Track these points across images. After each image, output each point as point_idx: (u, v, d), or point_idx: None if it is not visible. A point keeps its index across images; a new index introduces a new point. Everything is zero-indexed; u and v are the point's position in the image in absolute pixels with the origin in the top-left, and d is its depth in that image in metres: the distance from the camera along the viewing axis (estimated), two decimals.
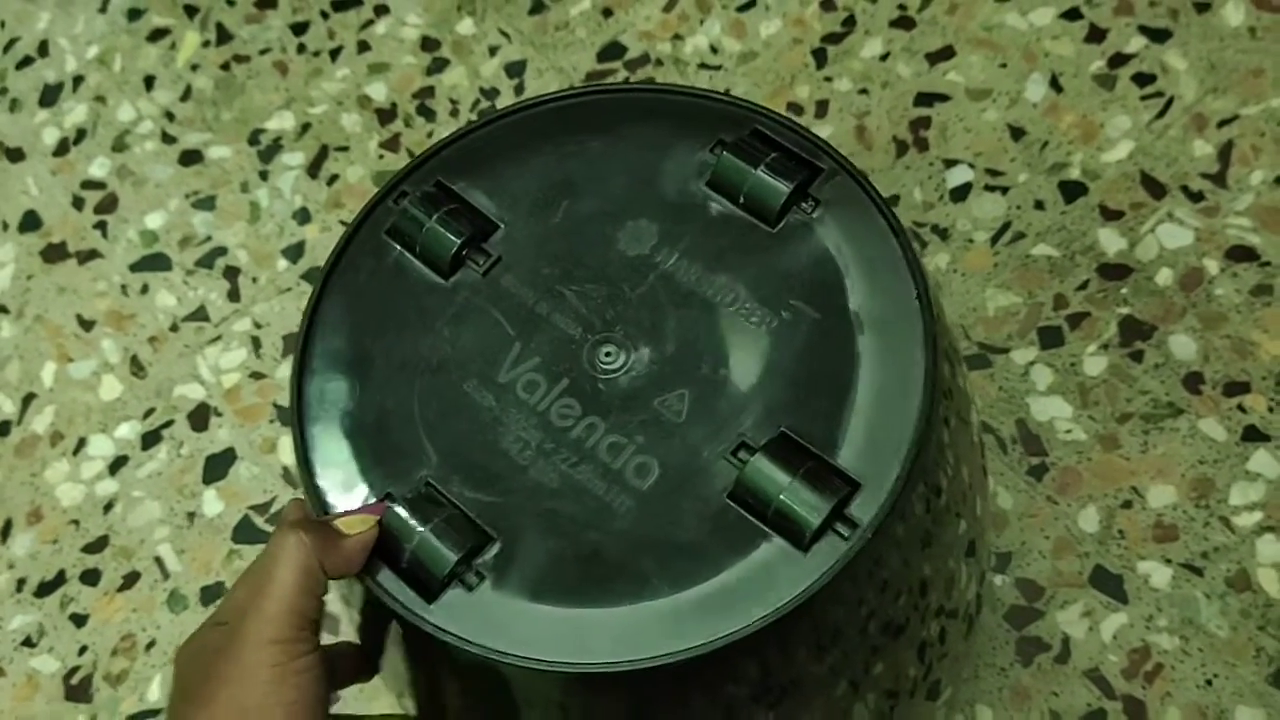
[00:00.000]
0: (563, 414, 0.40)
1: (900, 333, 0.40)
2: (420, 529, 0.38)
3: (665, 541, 0.38)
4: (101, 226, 0.81)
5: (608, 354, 0.41)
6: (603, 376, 0.41)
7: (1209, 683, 0.60)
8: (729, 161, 0.42)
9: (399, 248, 0.44)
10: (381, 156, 0.80)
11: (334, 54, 0.84)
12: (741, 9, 0.81)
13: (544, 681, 0.38)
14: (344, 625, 0.58)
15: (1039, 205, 0.72)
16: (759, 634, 0.36)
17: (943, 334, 0.44)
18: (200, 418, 0.74)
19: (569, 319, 0.42)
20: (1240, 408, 0.65)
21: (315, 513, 0.39)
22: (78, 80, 0.86)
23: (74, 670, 0.68)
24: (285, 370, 0.74)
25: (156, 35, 0.87)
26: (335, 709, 0.38)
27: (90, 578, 0.70)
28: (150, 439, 0.73)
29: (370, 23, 0.85)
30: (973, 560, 0.50)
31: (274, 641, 0.34)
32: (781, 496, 0.37)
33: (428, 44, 0.84)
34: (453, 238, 0.43)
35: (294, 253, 0.78)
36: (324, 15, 0.86)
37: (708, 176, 0.43)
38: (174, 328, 0.77)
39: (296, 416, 0.41)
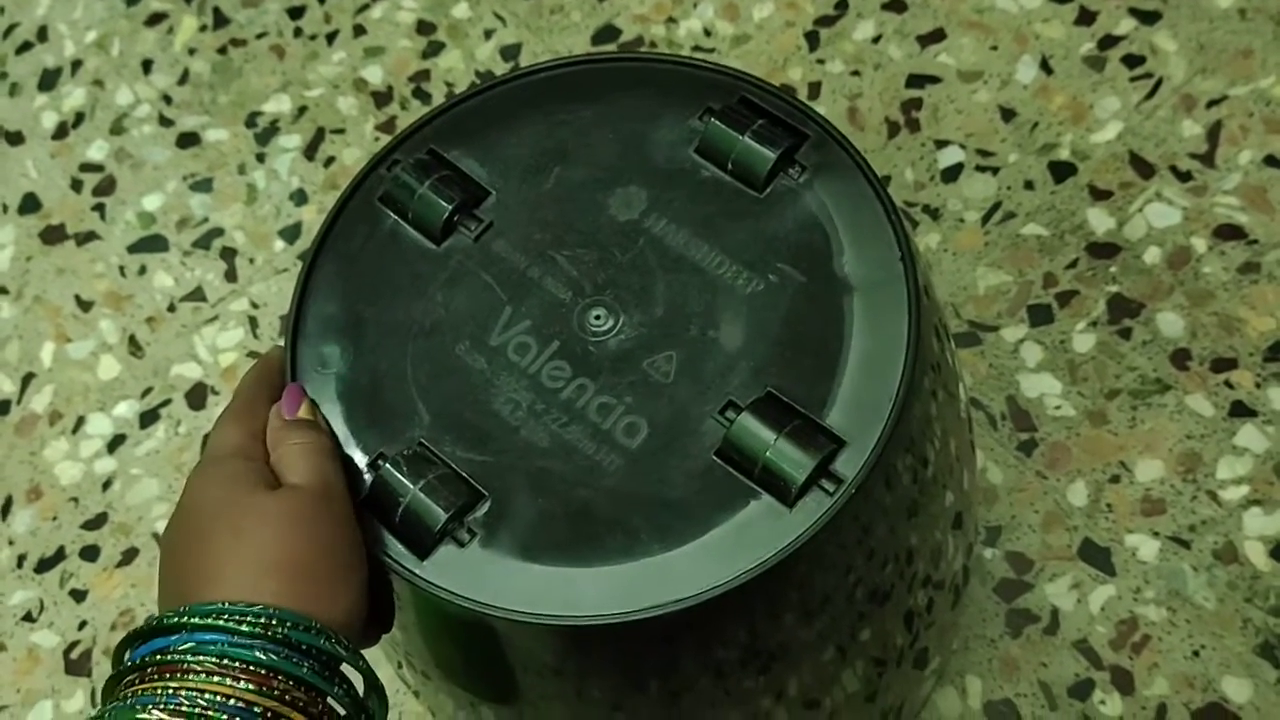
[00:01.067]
0: (553, 375, 0.41)
1: (885, 296, 0.40)
2: (412, 487, 0.39)
3: (654, 499, 0.38)
4: (100, 209, 0.81)
5: (597, 317, 0.42)
6: (593, 339, 0.41)
7: (1196, 653, 0.60)
8: (717, 128, 0.43)
9: (392, 214, 0.44)
10: (377, 139, 0.81)
11: (330, 38, 0.85)
12: None
13: (534, 635, 0.38)
14: None
15: (1029, 185, 0.72)
16: (746, 587, 0.36)
17: (931, 304, 0.45)
18: (198, 397, 0.74)
19: (560, 283, 0.42)
20: (1227, 383, 0.66)
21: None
22: (76, 64, 0.87)
23: (74, 645, 0.69)
24: None
25: (154, 20, 0.88)
26: None
27: (89, 554, 0.71)
28: (148, 418, 0.74)
29: (366, 7, 0.86)
30: (959, 532, 0.50)
31: (355, 523, 0.38)
32: (768, 453, 0.38)
33: (423, 27, 0.84)
34: (444, 204, 0.43)
35: (291, 234, 0.79)
36: (320, 0, 0.87)
37: (696, 143, 0.44)
38: (171, 308, 0.77)
39: (291, 379, 0.42)
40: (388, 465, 0.40)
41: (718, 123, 0.43)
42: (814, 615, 0.42)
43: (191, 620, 0.33)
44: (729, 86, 0.45)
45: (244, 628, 0.32)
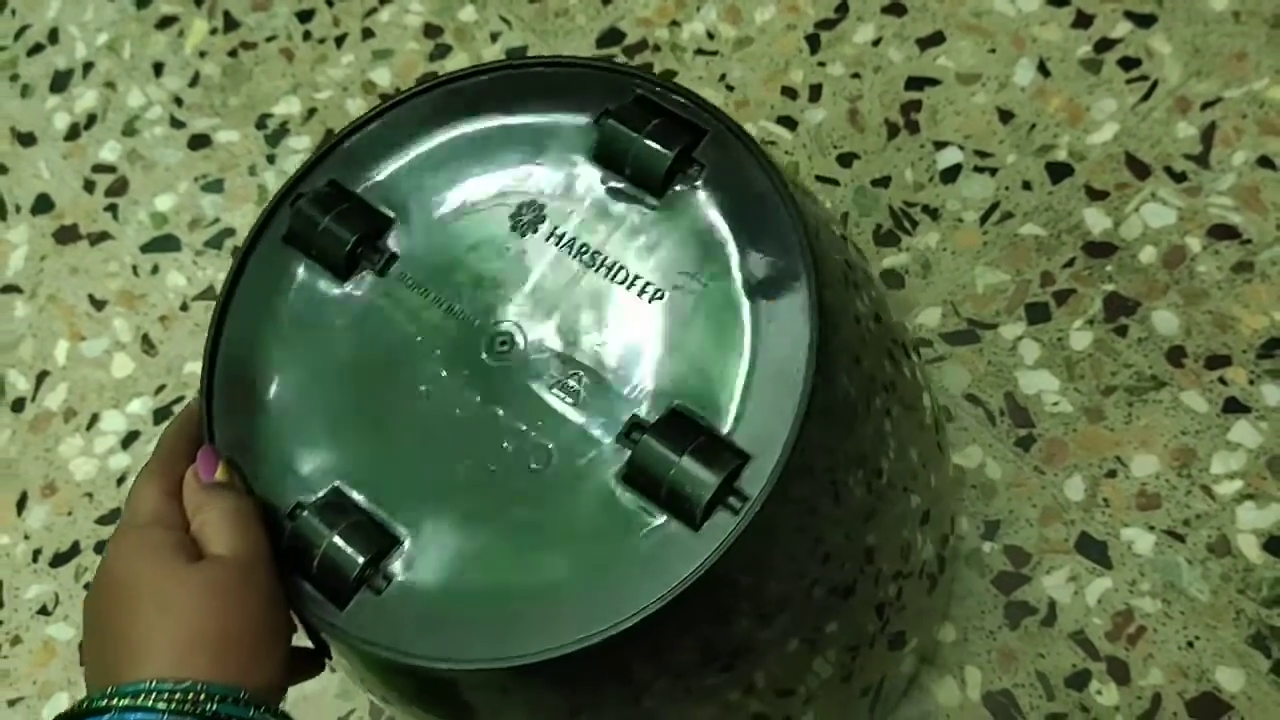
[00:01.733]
0: (465, 406, 0.40)
1: (787, 299, 0.39)
2: (327, 535, 0.38)
3: (566, 529, 0.38)
4: (112, 209, 0.83)
5: (503, 341, 0.41)
6: (500, 364, 0.40)
7: (1190, 644, 0.62)
8: (612, 131, 0.41)
9: (298, 253, 0.43)
10: None
11: (339, 41, 0.86)
12: None
13: (456, 678, 0.38)
14: None
15: (1027, 186, 0.74)
16: (659, 614, 0.35)
17: (882, 326, 0.44)
18: None
19: (466, 309, 0.41)
20: (1221, 380, 0.67)
21: None
22: (88, 67, 0.88)
23: None
24: None
25: (165, 23, 0.89)
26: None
27: (104, 548, 0.72)
28: (162, 414, 0.75)
29: (374, 10, 0.87)
30: (928, 527, 0.50)
31: (278, 590, 0.37)
32: (672, 473, 0.36)
33: (430, 30, 0.86)
34: (346, 238, 0.42)
35: None
36: (329, 3, 0.88)
37: (594, 150, 0.42)
38: (184, 306, 0.79)
39: (208, 434, 0.41)
40: (304, 514, 0.39)
41: (613, 124, 0.41)
42: (771, 617, 0.41)
43: (120, 702, 0.33)
44: (623, 85, 0.43)
45: (172, 706, 0.32)
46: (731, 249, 0.40)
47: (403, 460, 0.40)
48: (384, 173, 0.44)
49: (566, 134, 0.43)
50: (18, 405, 0.77)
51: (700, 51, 0.82)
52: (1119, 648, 0.62)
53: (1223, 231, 0.70)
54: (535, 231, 0.42)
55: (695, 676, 0.41)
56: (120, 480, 0.74)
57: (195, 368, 0.77)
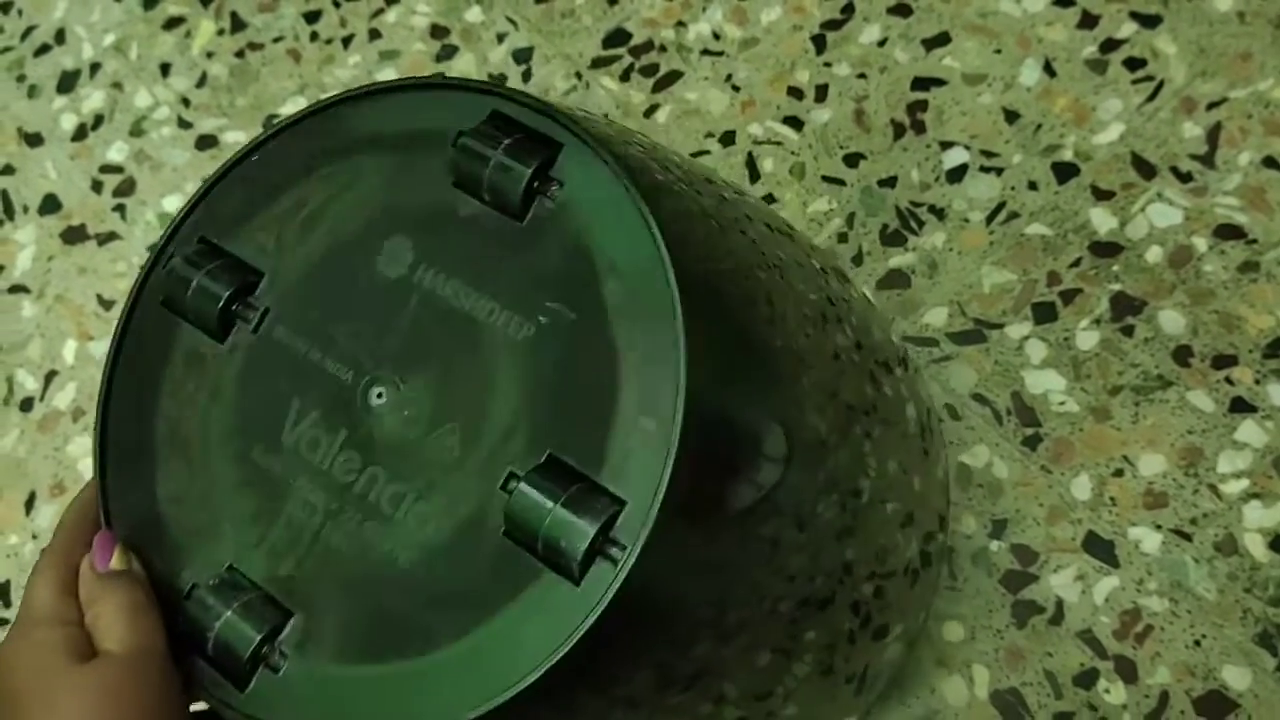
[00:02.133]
0: (346, 469, 0.38)
1: (657, 327, 0.35)
2: (221, 615, 0.37)
3: (449, 591, 0.36)
4: (120, 209, 0.83)
5: (379, 395, 0.38)
6: (376, 422, 0.38)
7: (1197, 643, 0.62)
8: (467, 153, 0.38)
9: (175, 316, 0.41)
10: None
11: (346, 41, 0.86)
12: None
13: None
14: None
15: (1033, 186, 0.74)
16: (564, 667, 0.34)
17: (868, 347, 0.43)
18: None
19: (340, 363, 0.39)
20: (1228, 380, 0.67)
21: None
22: (95, 67, 0.88)
23: None
24: None
25: (172, 24, 0.89)
26: None
27: None
28: None
29: (381, 11, 0.87)
30: (911, 529, 0.49)
31: (173, 685, 0.36)
32: (546, 524, 0.34)
33: (437, 31, 0.86)
34: (217, 298, 0.40)
35: None
36: (335, 4, 0.88)
37: (454, 175, 0.39)
38: None
39: (105, 519, 0.40)
40: (198, 593, 0.38)
41: (468, 145, 0.38)
42: (730, 636, 0.40)
43: None
44: (477, 103, 0.39)
45: None
46: (597, 276, 0.36)
47: (290, 531, 0.38)
48: (251, 223, 0.42)
49: (427, 161, 0.39)
50: (26, 405, 0.77)
51: (706, 52, 0.82)
52: (1126, 646, 0.62)
53: (1229, 231, 0.70)
54: (405, 270, 0.39)
55: (654, 700, 0.40)
56: None
57: None
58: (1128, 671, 0.62)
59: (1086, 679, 0.62)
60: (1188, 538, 0.64)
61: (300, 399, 0.39)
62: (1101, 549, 0.64)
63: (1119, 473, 0.66)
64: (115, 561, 0.38)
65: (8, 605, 0.72)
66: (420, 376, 0.38)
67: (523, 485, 0.35)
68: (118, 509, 0.40)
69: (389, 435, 0.38)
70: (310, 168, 0.41)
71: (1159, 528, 0.64)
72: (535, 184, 0.37)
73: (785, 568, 0.39)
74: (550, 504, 0.34)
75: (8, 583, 0.73)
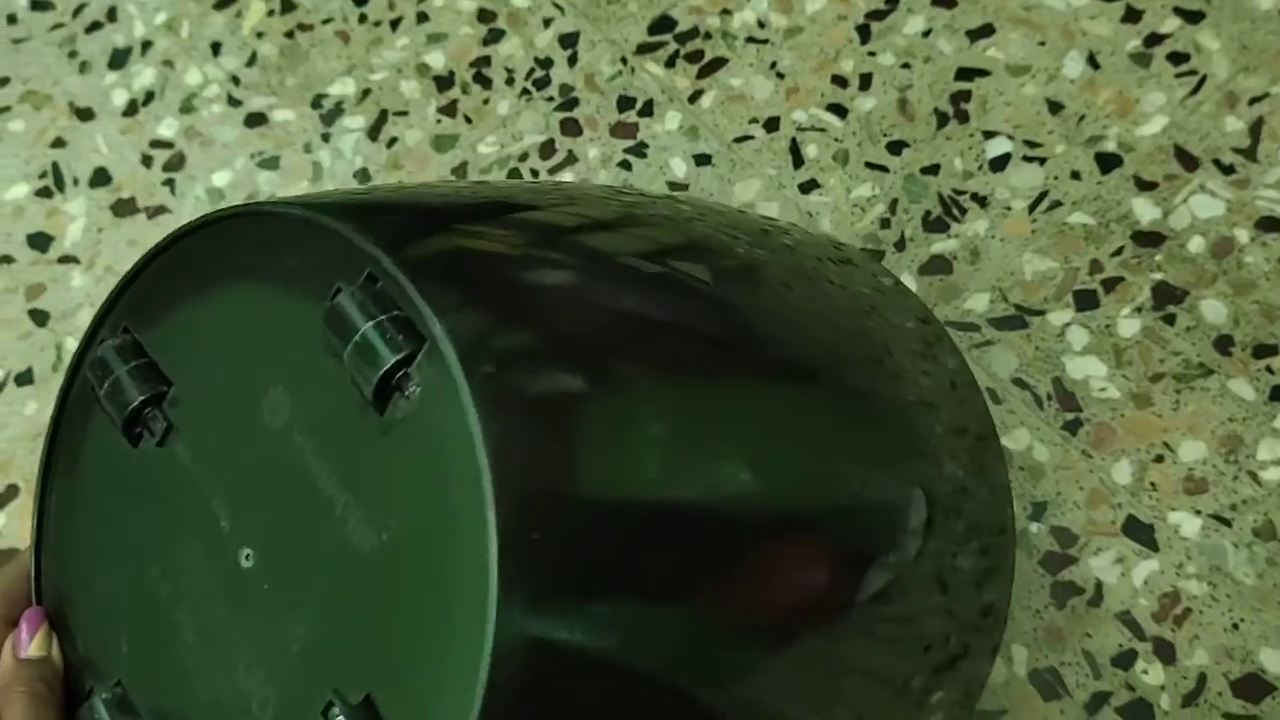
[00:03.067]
0: (215, 619, 0.36)
1: (479, 566, 0.30)
2: None
3: None
4: (170, 184, 0.84)
5: (247, 557, 0.35)
6: (242, 584, 0.35)
7: (1235, 626, 0.62)
8: (337, 318, 0.33)
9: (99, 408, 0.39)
10: (439, 121, 0.83)
11: (394, 24, 0.88)
12: None
13: None
14: None
15: (1075, 175, 0.74)
16: None
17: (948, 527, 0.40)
18: None
19: (224, 505, 0.36)
20: (1268, 369, 0.68)
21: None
22: (146, 45, 0.90)
23: None
24: None
25: (223, 3, 0.90)
26: None
27: None
28: None
29: None
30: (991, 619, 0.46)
31: None
32: None
33: (484, 15, 0.87)
34: (127, 403, 0.38)
35: None
36: None
37: (324, 338, 0.34)
38: None
39: (35, 597, 0.39)
40: (95, 702, 0.37)
41: (340, 308, 0.33)
42: None
43: None
44: (359, 260, 0.33)
45: None
46: (445, 497, 0.31)
47: (170, 667, 0.36)
48: (168, 324, 0.38)
49: (309, 311, 0.34)
50: None
51: (751, 40, 0.83)
52: (1165, 629, 0.63)
53: (1270, 224, 0.71)
54: (280, 423, 0.35)
55: None
56: None
57: None
58: (1166, 653, 0.62)
59: (1125, 660, 0.63)
60: (1227, 523, 0.65)
61: (190, 527, 0.36)
62: (1141, 533, 0.65)
63: (1159, 458, 0.67)
64: (34, 647, 0.37)
65: None
66: (282, 551, 0.34)
67: None
68: (49, 586, 0.39)
69: (251, 603, 0.35)
70: (224, 275, 0.37)
71: (1199, 513, 0.65)
72: (395, 377, 0.32)
73: (921, 638, 0.37)
74: None
75: None
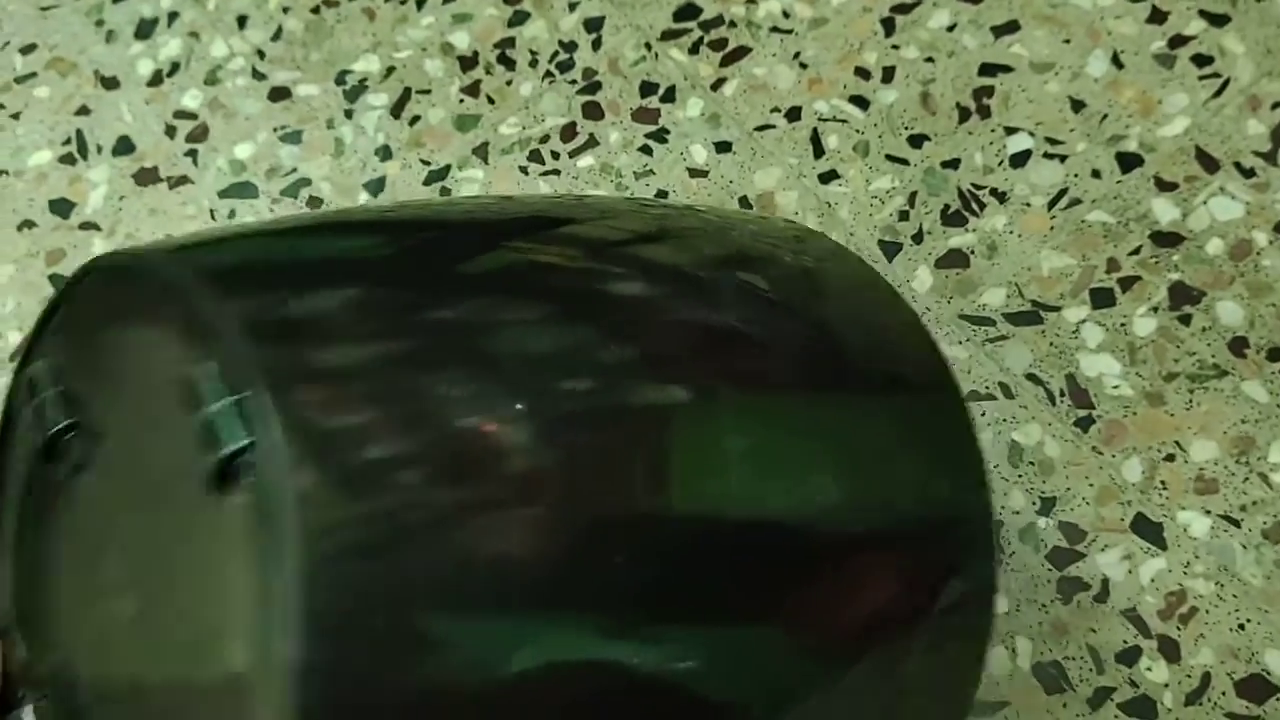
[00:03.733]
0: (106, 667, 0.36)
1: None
2: None
3: None
4: (192, 154, 0.84)
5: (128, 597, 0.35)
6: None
7: (1241, 627, 0.63)
8: (188, 392, 0.32)
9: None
10: (462, 100, 0.84)
11: (420, 3, 0.88)
12: None
13: None
14: None
15: (1096, 174, 0.74)
16: None
17: None
18: None
19: (112, 557, 0.35)
20: None
21: None
22: (172, 16, 0.90)
23: None
24: None
25: None
26: None
27: None
28: None
29: None
30: None
31: None
32: None
33: None
34: (47, 427, 0.37)
35: (375, 187, 0.82)
36: None
37: None
38: None
39: None
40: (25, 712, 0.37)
41: (190, 385, 0.31)
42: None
43: None
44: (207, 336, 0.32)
45: None
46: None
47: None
48: (89, 352, 0.38)
49: (185, 363, 0.33)
50: None
51: (775, 29, 0.83)
52: (1171, 627, 0.63)
53: None
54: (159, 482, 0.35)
55: None
56: None
57: None
58: (1170, 651, 0.63)
59: (1129, 656, 0.63)
60: (1236, 524, 0.65)
61: (89, 563, 0.36)
62: (1150, 530, 0.65)
63: (1170, 457, 0.67)
64: None
65: None
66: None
67: None
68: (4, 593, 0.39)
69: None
70: (123, 321, 0.36)
71: (1208, 513, 0.65)
72: (235, 461, 0.30)
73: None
74: None
75: None
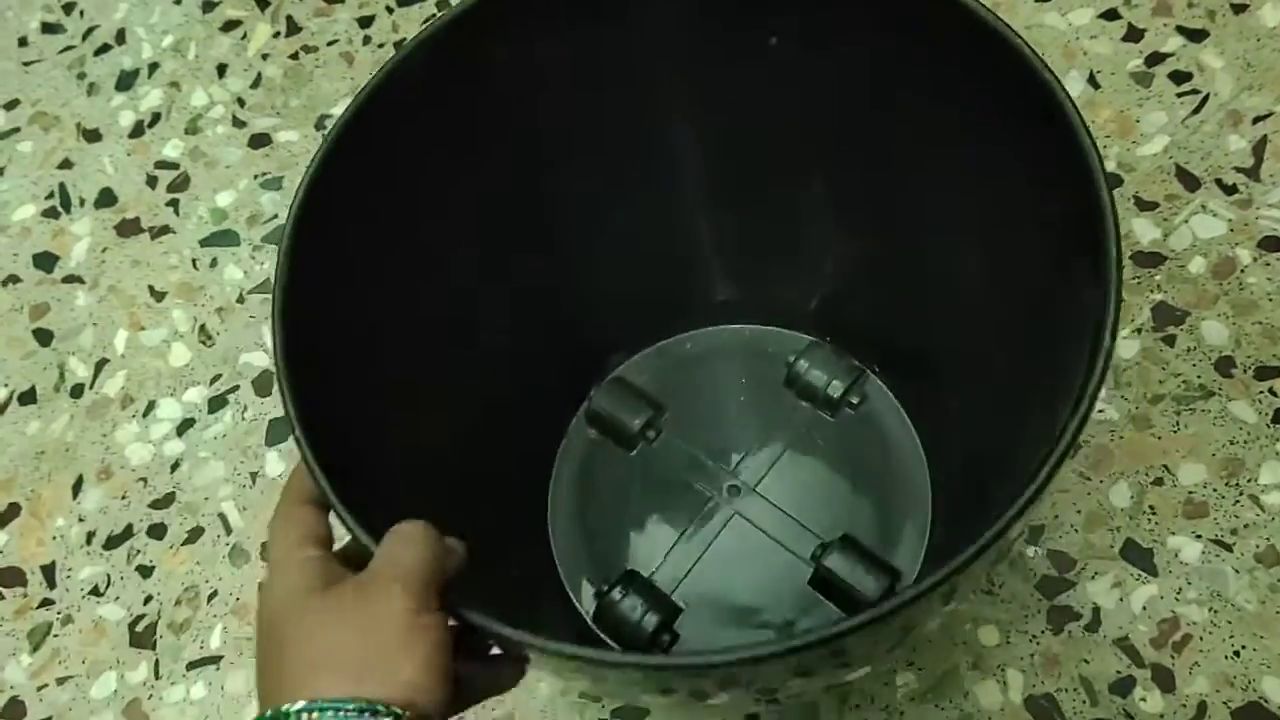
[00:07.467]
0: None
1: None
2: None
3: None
4: (174, 204, 0.85)
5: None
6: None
7: (1236, 653, 0.61)
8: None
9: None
10: None
11: (398, 46, 0.88)
12: None
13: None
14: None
15: None
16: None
17: None
18: (264, 384, 0.77)
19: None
20: (1271, 391, 0.67)
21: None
22: (153, 67, 0.91)
23: (139, 618, 0.71)
24: None
25: (229, 26, 0.91)
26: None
27: (156, 532, 0.73)
28: (216, 403, 0.77)
29: (432, 17, 0.89)
30: None
31: (407, 600, 0.38)
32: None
33: None
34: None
35: None
36: (389, 10, 0.90)
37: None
38: (240, 299, 0.80)
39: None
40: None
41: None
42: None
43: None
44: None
45: None
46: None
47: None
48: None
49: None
50: (76, 391, 0.79)
51: None
52: (1164, 655, 0.62)
53: (1273, 244, 0.70)
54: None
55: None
56: (174, 466, 0.75)
57: (250, 358, 0.78)
58: (1165, 680, 0.61)
59: (1123, 686, 0.61)
60: (1228, 548, 0.64)
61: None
62: (1140, 557, 0.64)
63: (1159, 481, 0.66)
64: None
65: (52, 586, 0.73)
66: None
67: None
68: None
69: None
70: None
71: (1199, 537, 0.64)
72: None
73: None
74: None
75: (53, 564, 0.74)
